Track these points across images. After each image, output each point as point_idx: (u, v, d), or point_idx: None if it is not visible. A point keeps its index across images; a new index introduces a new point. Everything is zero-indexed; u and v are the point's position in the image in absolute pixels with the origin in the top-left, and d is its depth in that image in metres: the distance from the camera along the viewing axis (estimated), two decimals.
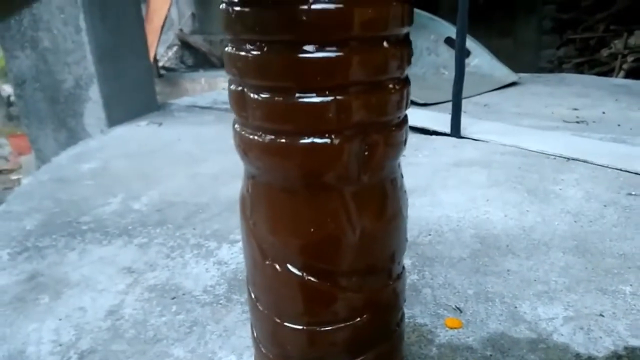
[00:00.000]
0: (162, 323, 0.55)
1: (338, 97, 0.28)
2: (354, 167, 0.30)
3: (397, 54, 0.30)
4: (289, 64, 0.28)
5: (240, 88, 0.31)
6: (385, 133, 0.31)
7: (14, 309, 0.58)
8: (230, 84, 0.32)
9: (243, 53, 0.29)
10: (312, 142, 0.29)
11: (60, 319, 0.56)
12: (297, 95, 0.28)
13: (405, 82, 0.32)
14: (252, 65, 0.29)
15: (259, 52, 0.28)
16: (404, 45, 0.31)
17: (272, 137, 0.30)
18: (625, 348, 0.48)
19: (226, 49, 0.31)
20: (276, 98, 0.29)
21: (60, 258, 0.70)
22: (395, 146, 0.32)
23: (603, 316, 0.53)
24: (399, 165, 0.35)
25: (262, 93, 0.29)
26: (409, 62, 0.31)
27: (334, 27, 0.27)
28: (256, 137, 0.30)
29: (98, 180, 1.00)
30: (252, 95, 0.30)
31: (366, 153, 0.30)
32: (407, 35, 0.31)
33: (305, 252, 0.32)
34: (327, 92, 0.28)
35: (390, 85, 0.30)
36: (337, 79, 0.28)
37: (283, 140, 0.29)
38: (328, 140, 0.29)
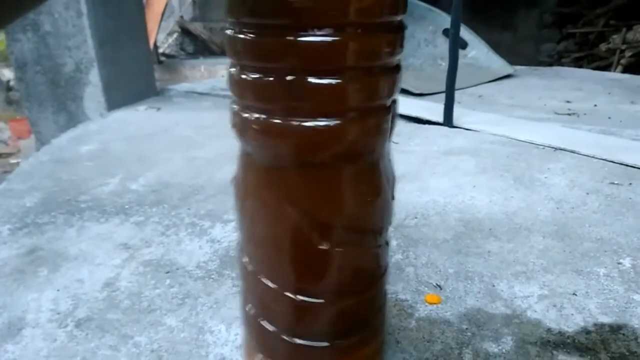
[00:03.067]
0: (156, 295, 0.57)
1: (332, 81, 0.29)
2: (343, 148, 0.32)
3: (390, 42, 0.31)
4: (285, 46, 0.29)
5: (238, 69, 0.32)
6: (373, 116, 0.32)
7: (14, 280, 0.61)
8: (229, 67, 0.33)
9: (242, 36, 0.30)
10: (304, 123, 0.30)
11: (58, 290, 0.59)
12: (295, 77, 0.29)
13: (395, 69, 0.33)
14: (250, 48, 0.30)
15: (256, 35, 0.30)
16: (397, 34, 0.32)
17: (266, 116, 0.31)
18: (595, 324, 0.51)
19: (226, 32, 0.32)
20: (272, 79, 0.30)
21: (59, 234, 0.72)
22: (383, 130, 0.33)
23: (576, 295, 0.55)
24: (389, 149, 0.37)
25: (258, 74, 0.30)
26: (401, 49, 0.33)
27: (330, 12, 0.28)
28: (251, 117, 0.32)
29: (97, 162, 1.02)
30: (249, 76, 0.31)
31: (355, 135, 0.32)
32: (400, 24, 0.32)
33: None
34: (321, 75, 0.29)
35: (383, 72, 0.32)
36: (332, 63, 0.29)
37: (277, 121, 0.31)
38: (320, 122, 0.30)
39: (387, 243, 0.40)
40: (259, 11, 0.29)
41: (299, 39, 0.28)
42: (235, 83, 0.33)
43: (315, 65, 0.29)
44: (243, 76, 0.31)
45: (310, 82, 0.29)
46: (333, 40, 0.28)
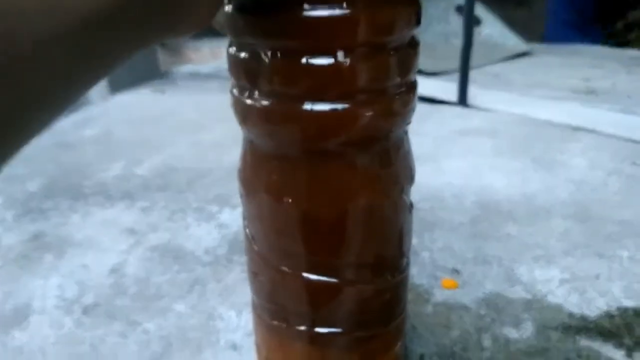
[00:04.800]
0: (164, 281, 0.56)
1: (342, 61, 0.26)
2: (357, 134, 0.29)
3: (404, 13, 0.28)
4: (290, 23, 0.26)
5: (238, 49, 0.29)
6: (387, 99, 0.29)
7: (19, 266, 0.60)
8: (230, 46, 0.30)
9: (242, 12, 0.27)
10: (315, 107, 0.27)
11: (64, 276, 0.58)
12: (304, 57, 0.26)
13: (411, 45, 0.30)
14: (251, 25, 0.27)
15: (257, 11, 0.27)
16: (412, 4, 0.29)
17: (269, 101, 0.28)
18: (618, 308, 0.48)
19: (226, 7, 0.29)
20: (275, 59, 0.27)
21: (63, 219, 0.71)
22: (398, 114, 0.30)
23: (598, 279, 0.53)
24: (406, 136, 0.33)
25: (267, 56, 0.27)
26: (416, 22, 0.29)
27: None
28: (253, 101, 0.29)
29: (101, 146, 1.01)
30: (250, 56, 0.28)
31: (370, 119, 0.28)
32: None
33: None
34: (329, 54, 0.26)
35: (397, 48, 0.28)
36: (341, 40, 0.26)
37: (281, 105, 0.28)
38: (331, 106, 0.27)
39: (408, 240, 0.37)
40: None
41: (304, 13, 0.25)
42: (236, 64, 0.30)
43: (322, 43, 0.26)
44: (244, 56, 0.28)
45: (317, 62, 0.26)
46: (341, 14, 0.25)
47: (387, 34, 0.28)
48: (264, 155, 0.31)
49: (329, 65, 0.26)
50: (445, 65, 1.48)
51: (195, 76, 1.64)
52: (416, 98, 0.32)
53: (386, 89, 0.29)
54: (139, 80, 1.50)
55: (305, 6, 0.25)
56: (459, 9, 1.76)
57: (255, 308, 0.38)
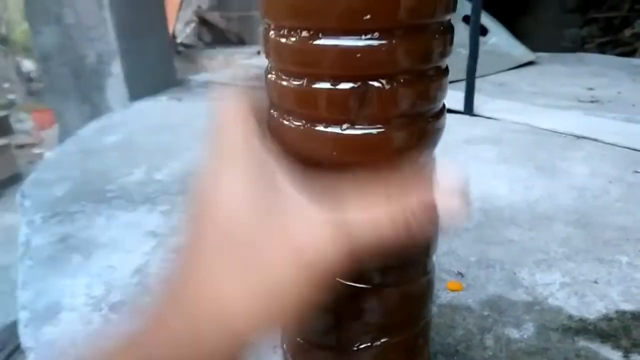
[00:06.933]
0: None
1: (382, 86, 0.27)
2: (390, 156, 0.30)
3: (442, 42, 0.29)
4: (328, 51, 0.27)
5: (281, 77, 0.30)
6: (424, 122, 0.30)
7: (49, 267, 0.64)
8: (269, 72, 0.31)
9: (282, 39, 0.28)
10: (351, 132, 0.28)
11: (91, 276, 0.61)
12: (343, 85, 0.27)
13: (445, 71, 0.31)
14: (290, 52, 0.28)
15: (297, 39, 0.27)
16: (448, 34, 0.30)
17: (312, 125, 0.29)
18: (617, 312, 0.51)
19: (265, 32, 0.30)
20: (314, 86, 0.28)
21: (89, 222, 0.75)
22: (428, 139, 0.31)
23: (597, 283, 0.55)
24: (434, 158, 0.34)
25: (299, 80, 0.28)
26: (449, 51, 0.30)
27: (377, 14, 0.26)
28: (289, 124, 0.30)
29: (122, 152, 1.05)
30: (289, 82, 0.29)
31: (401, 142, 0.30)
32: (450, 23, 0.30)
33: None
34: (369, 81, 0.27)
35: (433, 75, 0.29)
36: (380, 68, 0.27)
37: (318, 129, 0.29)
38: (366, 130, 0.28)
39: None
40: (298, 13, 0.27)
41: (343, 43, 0.26)
42: (276, 90, 0.30)
43: (361, 72, 0.27)
44: (283, 82, 0.29)
45: (356, 89, 0.27)
46: (379, 44, 0.26)
47: (425, 63, 0.28)
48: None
49: (367, 92, 0.27)
50: (452, 74, 1.50)
51: (210, 84, 1.69)
52: (445, 121, 0.32)
53: (421, 115, 0.30)
54: (157, 88, 1.55)
55: (345, 36, 0.26)
56: (466, 18, 1.79)
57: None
